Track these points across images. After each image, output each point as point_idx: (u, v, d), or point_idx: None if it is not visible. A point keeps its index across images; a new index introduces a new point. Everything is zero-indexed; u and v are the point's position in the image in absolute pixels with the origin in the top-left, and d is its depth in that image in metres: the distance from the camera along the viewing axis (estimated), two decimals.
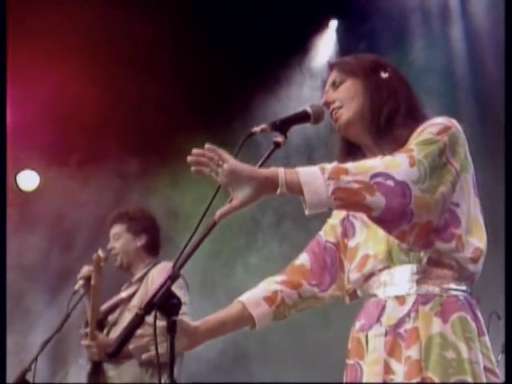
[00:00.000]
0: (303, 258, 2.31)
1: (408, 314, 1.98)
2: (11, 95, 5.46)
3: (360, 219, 2.20)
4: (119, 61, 6.25)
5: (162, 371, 1.86)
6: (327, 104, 2.21)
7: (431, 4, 6.67)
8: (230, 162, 1.84)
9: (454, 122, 2.07)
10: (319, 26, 7.08)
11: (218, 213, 1.86)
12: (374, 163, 1.89)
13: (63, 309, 3.82)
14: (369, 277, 2.12)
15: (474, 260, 2.02)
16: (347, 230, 2.27)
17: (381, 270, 2.08)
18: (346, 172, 1.85)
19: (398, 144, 2.08)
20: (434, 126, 2.04)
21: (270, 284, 2.26)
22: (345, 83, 2.21)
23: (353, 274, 2.18)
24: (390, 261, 2.06)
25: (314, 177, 1.84)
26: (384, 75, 2.19)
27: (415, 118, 2.14)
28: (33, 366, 3.68)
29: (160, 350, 1.89)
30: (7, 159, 4.26)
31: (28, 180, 6.78)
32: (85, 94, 6.28)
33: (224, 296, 6.24)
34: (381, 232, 2.05)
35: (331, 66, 2.29)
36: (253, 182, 1.83)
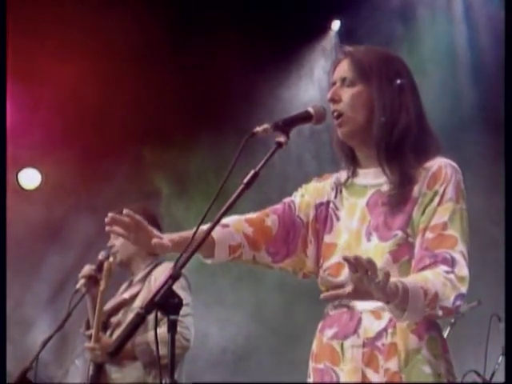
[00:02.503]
0: (272, 221, 2.25)
1: (385, 329, 2.06)
2: (12, 93, 5.46)
3: (343, 221, 2.21)
4: (120, 59, 6.24)
5: (164, 372, 1.85)
6: (332, 100, 2.19)
7: (435, 4, 6.67)
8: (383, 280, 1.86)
9: (457, 167, 2.14)
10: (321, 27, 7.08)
11: (327, 294, 1.96)
12: (453, 285, 1.99)
13: (64, 307, 3.82)
14: (341, 286, 2.13)
15: None
16: (322, 218, 2.26)
17: None
18: (438, 299, 1.96)
19: (401, 167, 2.10)
20: (450, 187, 2.08)
21: (239, 232, 2.20)
22: (355, 87, 2.16)
23: (325, 274, 2.20)
24: None
25: (417, 300, 1.93)
26: (399, 86, 2.15)
27: (424, 142, 2.14)
28: (34, 365, 3.68)
29: (161, 352, 1.89)
30: (8, 157, 4.26)
31: (29, 178, 6.77)
32: (86, 92, 6.28)
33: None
34: (362, 247, 2.12)
35: (345, 53, 2.22)
36: (379, 299, 1.89)
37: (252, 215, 2.26)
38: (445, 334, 4.14)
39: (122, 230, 2.03)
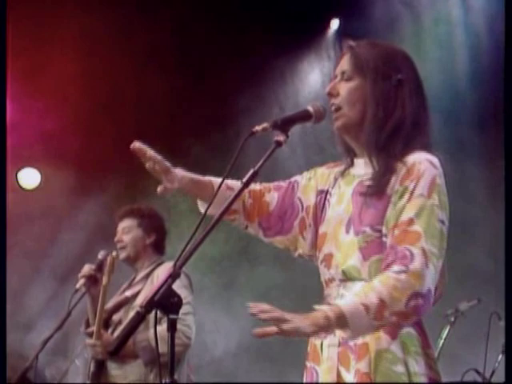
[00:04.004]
0: (271, 198, 2.30)
1: None
2: (12, 93, 5.47)
3: (332, 210, 2.21)
4: (121, 58, 6.25)
5: (164, 370, 1.85)
6: (329, 95, 2.18)
7: (435, 4, 6.69)
8: (291, 322, 1.88)
9: (435, 161, 2.07)
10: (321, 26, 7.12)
11: (258, 332, 1.90)
12: (404, 285, 1.93)
13: (64, 307, 3.82)
14: (330, 281, 2.15)
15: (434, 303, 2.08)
16: (320, 206, 2.26)
17: (341, 281, 2.11)
18: (385, 307, 1.92)
19: (388, 160, 2.09)
20: (422, 182, 2.03)
21: (239, 199, 2.25)
22: (351, 82, 2.15)
23: (322, 266, 2.20)
24: (345, 276, 2.10)
25: (359, 318, 1.91)
26: (395, 81, 2.13)
27: (416, 138, 2.11)
28: (34, 364, 3.68)
29: (162, 350, 1.89)
30: (8, 157, 4.27)
31: (29, 178, 6.78)
32: (86, 91, 6.28)
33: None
34: (340, 238, 2.12)
35: (346, 48, 2.21)
36: (314, 333, 1.92)
37: (256, 187, 2.31)
38: (444, 333, 4.16)
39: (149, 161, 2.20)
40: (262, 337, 1.91)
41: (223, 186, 2.17)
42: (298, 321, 1.89)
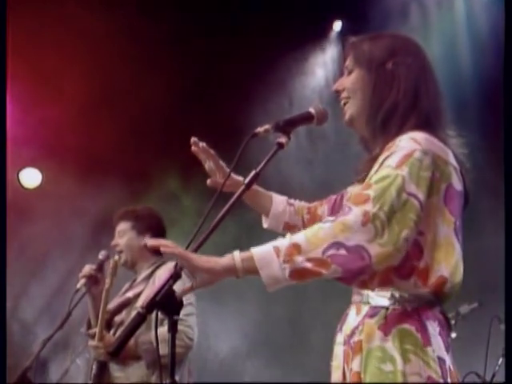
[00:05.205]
0: (323, 211, 2.45)
1: (357, 327, 2.03)
2: (12, 93, 5.46)
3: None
4: (121, 58, 6.24)
5: (165, 372, 1.85)
6: (336, 91, 2.21)
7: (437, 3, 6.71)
8: (191, 262, 1.90)
9: (420, 137, 2.02)
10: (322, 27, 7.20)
11: (181, 290, 1.92)
12: (326, 232, 1.89)
13: (64, 307, 3.82)
14: None
15: (436, 292, 2.00)
16: None
17: None
18: (299, 251, 1.87)
19: (386, 140, 2.07)
20: (395, 155, 1.99)
21: (299, 215, 2.48)
22: (352, 74, 2.18)
23: None
24: None
25: (269, 260, 1.89)
26: (390, 66, 2.13)
27: (413, 119, 2.09)
28: (34, 364, 3.67)
29: (163, 351, 1.89)
30: (9, 157, 4.27)
31: (30, 178, 6.78)
32: (86, 91, 6.28)
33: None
34: None
35: (349, 44, 2.24)
36: (213, 276, 1.94)
37: (312, 204, 2.49)
38: None
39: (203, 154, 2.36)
40: (183, 296, 1.92)
41: (283, 200, 2.47)
42: (199, 259, 1.90)
